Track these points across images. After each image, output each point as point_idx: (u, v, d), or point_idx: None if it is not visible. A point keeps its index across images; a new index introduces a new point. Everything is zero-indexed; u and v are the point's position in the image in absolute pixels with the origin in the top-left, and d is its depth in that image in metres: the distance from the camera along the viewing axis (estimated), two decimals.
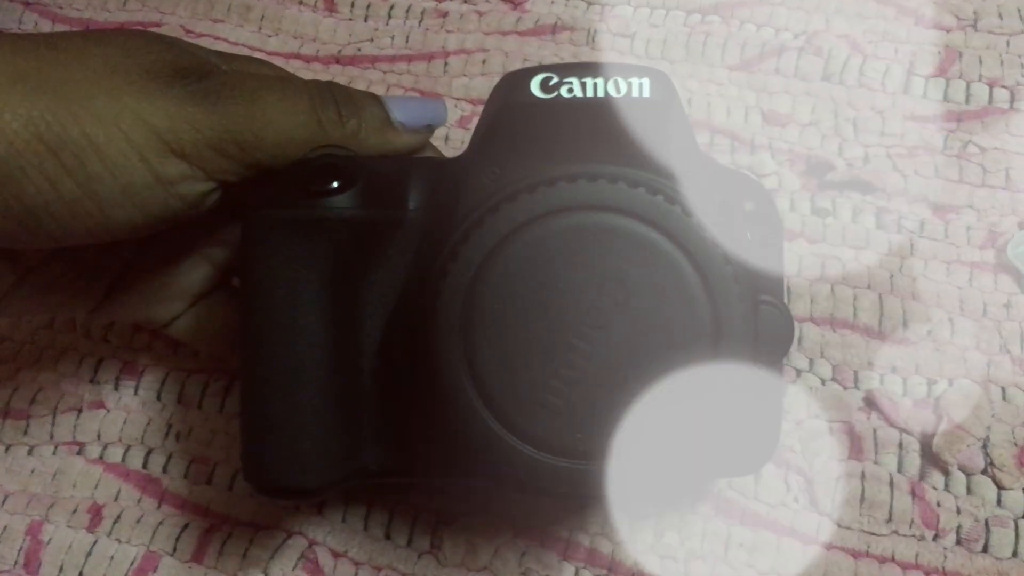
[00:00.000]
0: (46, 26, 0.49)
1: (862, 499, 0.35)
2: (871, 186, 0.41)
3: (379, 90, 0.46)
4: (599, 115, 0.26)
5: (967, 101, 0.43)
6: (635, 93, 0.26)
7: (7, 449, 0.38)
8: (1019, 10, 0.45)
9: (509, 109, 0.27)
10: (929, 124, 0.43)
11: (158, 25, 0.48)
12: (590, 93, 0.26)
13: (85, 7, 0.49)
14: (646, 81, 0.26)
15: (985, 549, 0.34)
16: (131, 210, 0.27)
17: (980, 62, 0.44)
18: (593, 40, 0.47)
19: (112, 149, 0.26)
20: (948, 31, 0.45)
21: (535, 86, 0.26)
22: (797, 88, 0.44)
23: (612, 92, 0.26)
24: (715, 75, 0.45)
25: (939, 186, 0.41)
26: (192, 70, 0.28)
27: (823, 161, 0.42)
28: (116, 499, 0.36)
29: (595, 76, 0.26)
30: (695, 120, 0.44)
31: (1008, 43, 0.44)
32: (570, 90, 0.26)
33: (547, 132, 0.27)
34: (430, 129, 0.32)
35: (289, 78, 0.31)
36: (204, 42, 0.47)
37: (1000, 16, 0.45)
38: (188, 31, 0.48)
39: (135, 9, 0.49)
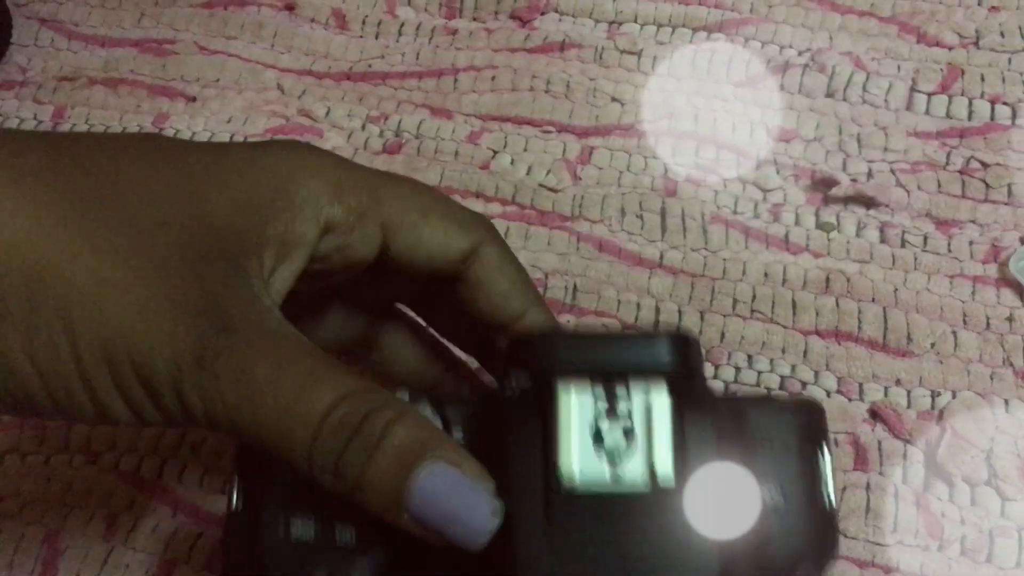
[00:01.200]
0: (62, 43, 0.50)
1: (867, 509, 0.36)
2: (875, 201, 0.42)
3: (389, 106, 0.47)
4: None
5: (969, 118, 0.44)
6: None
7: (23, 459, 0.38)
8: (1020, 28, 0.46)
9: None
10: (932, 140, 0.44)
11: (172, 42, 0.49)
12: None
13: (100, 24, 0.50)
14: None
15: (989, 559, 0.35)
16: (98, 421, 0.23)
17: (982, 79, 0.45)
18: (601, 57, 0.47)
19: (94, 383, 0.22)
20: (951, 49, 0.46)
21: None
22: (802, 104, 0.45)
23: None
24: (721, 91, 0.46)
25: (942, 201, 0.42)
26: (213, 309, 0.23)
27: (827, 176, 0.43)
28: (131, 508, 0.37)
29: None
30: (701, 136, 0.45)
31: (1010, 60, 0.45)
32: None
33: None
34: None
35: (321, 371, 0.23)
36: (217, 59, 0.48)
37: (1002, 34, 0.46)
38: (202, 48, 0.49)
39: (149, 27, 0.50)
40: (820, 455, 0.27)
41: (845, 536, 0.35)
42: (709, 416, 0.25)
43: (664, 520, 0.24)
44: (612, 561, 0.24)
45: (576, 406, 0.25)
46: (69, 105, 0.48)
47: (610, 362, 0.26)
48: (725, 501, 0.25)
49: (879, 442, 0.37)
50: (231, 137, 0.46)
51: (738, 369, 0.39)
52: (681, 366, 0.26)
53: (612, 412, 0.25)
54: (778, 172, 0.43)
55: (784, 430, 0.27)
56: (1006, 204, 0.42)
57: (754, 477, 0.26)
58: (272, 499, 0.25)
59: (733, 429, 0.26)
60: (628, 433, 0.25)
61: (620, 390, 0.25)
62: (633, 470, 0.24)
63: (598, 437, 0.25)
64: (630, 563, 0.24)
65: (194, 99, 0.47)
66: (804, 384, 0.38)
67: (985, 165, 0.43)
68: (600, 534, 0.24)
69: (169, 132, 0.46)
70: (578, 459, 0.24)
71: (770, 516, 0.26)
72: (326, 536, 0.25)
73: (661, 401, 0.25)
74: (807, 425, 0.28)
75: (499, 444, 0.25)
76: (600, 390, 0.25)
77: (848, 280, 0.40)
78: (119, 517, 0.37)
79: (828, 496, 0.27)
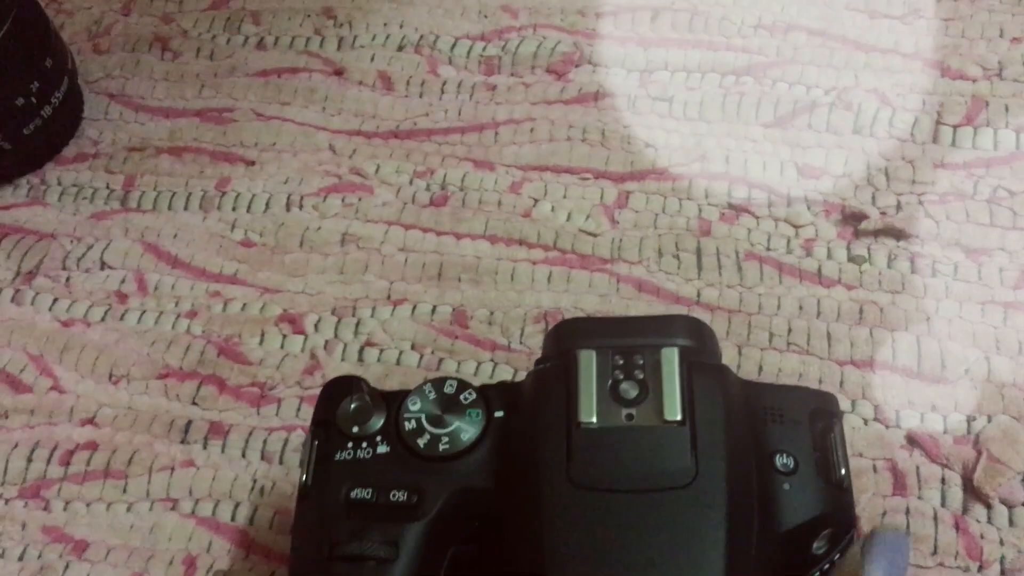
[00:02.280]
0: (130, 116, 0.53)
1: (907, 533, 0.37)
2: (904, 233, 0.43)
3: (435, 161, 0.49)
4: None
5: (995, 148, 0.45)
6: None
7: (108, 507, 0.41)
8: None
9: None
10: (959, 171, 0.45)
11: (231, 110, 0.52)
12: None
13: (165, 96, 0.54)
14: None
15: None
16: None
17: (1006, 110, 0.46)
18: (634, 105, 0.50)
19: None
20: (974, 81, 0.47)
21: None
22: (830, 142, 0.47)
23: None
24: (751, 132, 0.48)
25: (971, 230, 0.43)
26: None
27: (857, 211, 0.44)
28: (208, 550, 0.40)
29: None
30: (733, 176, 0.46)
31: None
32: None
33: None
34: None
35: None
36: (273, 124, 0.51)
37: None
38: (259, 114, 0.52)
39: (209, 97, 0.53)
40: (831, 433, 0.29)
41: None
42: (718, 379, 0.28)
43: (672, 448, 0.26)
44: (625, 484, 0.26)
45: (595, 367, 0.28)
46: (138, 174, 0.51)
47: (629, 337, 0.29)
48: (731, 440, 0.27)
49: (917, 467, 0.38)
50: (288, 197, 0.49)
51: None
52: (693, 341, 0.28)
53: (627, 371, 0.28)
54: (809, 208, 0.45)
55: (795, 408, 0.29)
56: None
57: (764, 439, 0.28)
58: (337, 473, 0.28)
59: (744, 397, 0.28)
60: (642, 387, 0.27)
61: (636, 356, 0.28)
62: (645, 413, 0.27)
63: (615, 390, 0.27)
64: (641, 487, 0.26)
65: (253, 163, 0.51)
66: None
67: (1012, 193, 0.44)
68: (614, 462, 0.26)
69: (231, 194, 0.49)
70: (595, 405, 0.27)
71: (779, 478, 0.27)
72: (381, 497, 0.28)
73: (671, 361, 0.27)
74: (818, 406, 0.30)
75: (531, 408, 0.28)
76: (618, 356, 0.28)
77: (881, 311, 0.42)
78: (197, 559, 0.39)
79: (840, 470, 0.29)
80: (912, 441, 0.39)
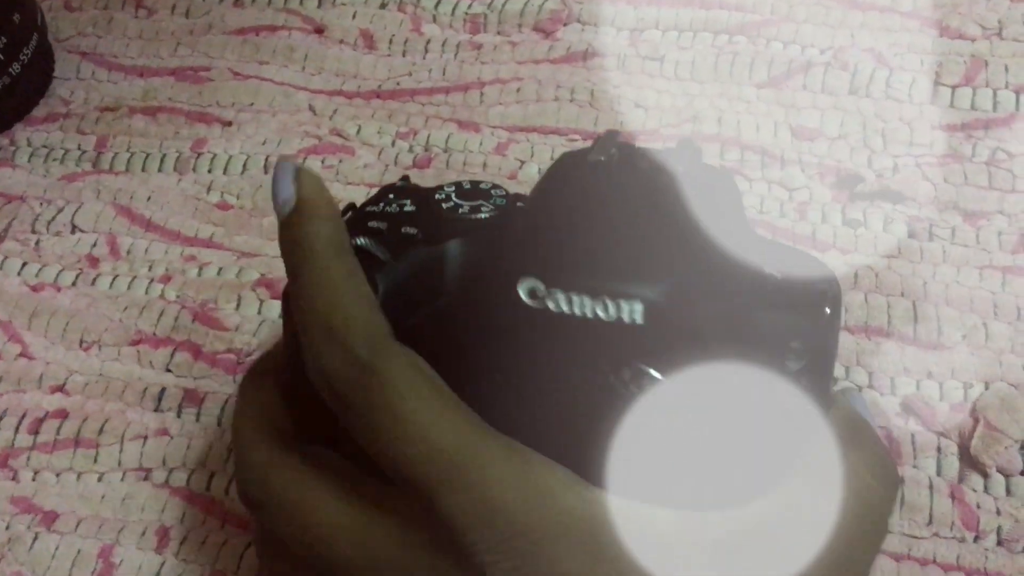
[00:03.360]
0: (103, 75, 0.52)
1: (902, 503, 0.36)
2: (901, 196, 0.42)
3: (418, 121, 0.48)
4: (586, 332, 0.25)
5: (994, 109, 0.44)
6: (626, 318, 0.25)
7: (79, 477, 0.40)
8: None
9: (497, 314, 0.26)
10: (957, 132, 0.44)
11: (207, 69, 0.51)
12: (578, 311, 0.25)
13: (138, 55, 0.52)
14: (638, 308, 0.25)
15: None
16: None
17: (1006, 70, 0.45)
18: (624, 65, 0.48)
19: None
20: (973, 40, 0.46)
21: (523, 292, 0.26)
22: (825, 103, 0.45)
23: (601, 314, 0.25)
24: (744, 93, 0.46)
25: (969, 193, 0.42)
26: None
27: (853, 173, 0.43)
28: (182, 521, 0.38)
29: (581, 292, 0.25)
30: (726, 137, 0.45)
31: None
32: (556, 304, 0.25)
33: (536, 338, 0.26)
34: None
35: None
36: (251, 84, 0.50)
37: None
38: (236, 73, 0.50)
39: (185, 55, 0.52)
40: (826, 277, 0.28)
41: None
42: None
43: (657, 194, 0.27)
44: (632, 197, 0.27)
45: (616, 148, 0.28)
46: (111, 134, 0.49)
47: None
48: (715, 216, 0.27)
49: (912, 435, 0.37)
50: (266, 158, 0.47)
51: None
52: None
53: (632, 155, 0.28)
54: (803, 171, 0.44)
55: (802, 257, 0.29)
56: None
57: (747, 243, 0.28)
58: (361, 216, 0.30)
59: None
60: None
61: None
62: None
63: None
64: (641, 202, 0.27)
65: (230, 123, 0.49)
66: (835, 380, 0.39)
67: (1011, 155, 0.43)
68: (621, 185, 0.27)
69: (207, 156, 0.48)
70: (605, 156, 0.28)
71: (763, 279, 0.27)
72: (394, 230, 0.30)
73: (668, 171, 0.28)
74: (816, 262, 0.29)
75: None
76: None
77: (876, 275, 0.41)
78: (171, 530, 0.38)
79: (825, 307, 0.27)
80: (907, 409, 0.38)
